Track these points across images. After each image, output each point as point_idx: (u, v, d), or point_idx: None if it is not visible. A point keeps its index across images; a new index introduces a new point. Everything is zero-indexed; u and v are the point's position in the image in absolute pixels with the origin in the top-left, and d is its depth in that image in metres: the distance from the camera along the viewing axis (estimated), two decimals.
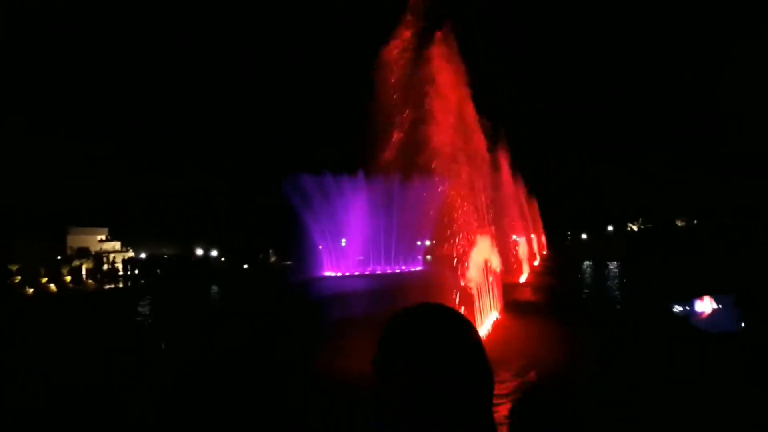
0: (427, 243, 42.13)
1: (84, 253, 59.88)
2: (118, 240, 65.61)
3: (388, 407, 1.05)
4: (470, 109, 17.00)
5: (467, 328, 1.16)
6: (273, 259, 61.16)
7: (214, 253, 62.13)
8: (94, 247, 62.71)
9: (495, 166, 28.18)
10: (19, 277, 52.65)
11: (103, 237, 65.82)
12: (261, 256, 61.16)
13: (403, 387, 1.04)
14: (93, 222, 66.27)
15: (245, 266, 55.83)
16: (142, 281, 52.02)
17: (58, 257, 56.12)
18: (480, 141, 18.50)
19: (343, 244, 44.00)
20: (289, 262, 55.78)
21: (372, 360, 1.10)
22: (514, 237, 34.16)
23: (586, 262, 39.64)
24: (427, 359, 1.04)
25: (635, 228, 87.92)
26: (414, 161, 14.35)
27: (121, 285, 52.29)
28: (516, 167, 36.59)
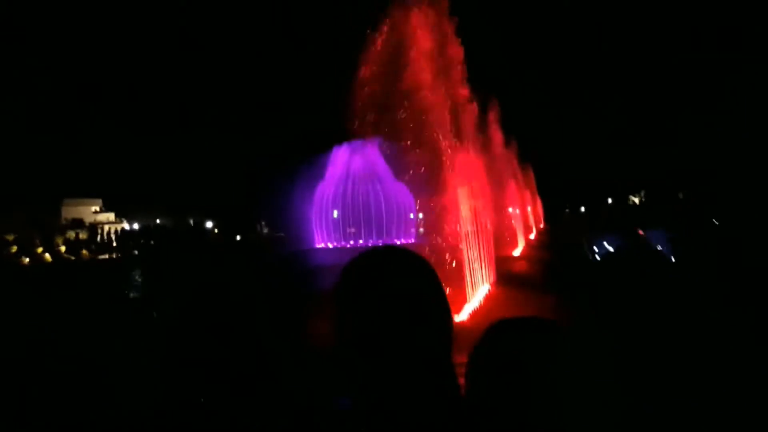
0: (420, 216, 41.84)
1: (78, 223, 59.80)
2: (112, 211, 65.39)
3: (346, 355, 1.02)
4: (463, 82, 16.44)
5: (424, 266, 1.09)
6: (265, 231, 61.09)
7: (207, 224, 62.09)
8: (88, 218, 62.49)
9: (491, 138, 27.68)
10: (16, 247, 52.74)
11: (97, 208, 65.59)
12: (254, 228, 61.11)
13: (360, 329, 1.01)
14: (87, 193, 66.01)
15: (237, 238, 55.82)
16: (136, 252, 51.96)
17: (53, 228, 56.09)
18: (473, 110, 17.99)
19: (335, 216, 43.67)
20: (281, 234, 55.67)
21: (331, 306, 1.07)
22: (510, 209, 33.75)
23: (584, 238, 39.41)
24: (383, 298, 1.01)
25: (636, 200, 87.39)
26: (404, 129, 13.84)
27: (115, 255, 52.24)
28: (513, 139, 36.06)
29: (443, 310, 1.07)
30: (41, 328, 12.32)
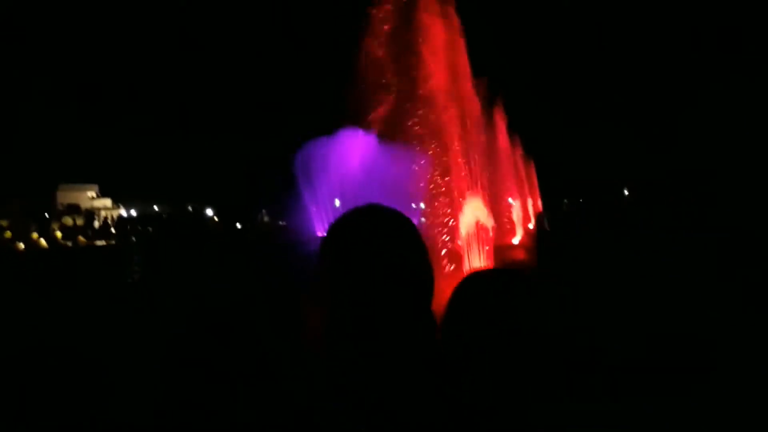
0: (422, 206, 41.83)
1: (74, 209, 59.55)
2: (108, 197, 65.11)
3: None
4: (464, 66, 16.26)
5: (406, 224, 1.09)
6: (266, 219, 61.02)
7: (208, 211, 62.02)
8: (85, 204, 62.21)
9: (492, 129, 27.72)
10: (10, 233, 52.56)
11: (94, 194, 65.24)
12: (254, 217, 61.02)
13: (347, 287, 1.00)
14: (83, 179, 65.69)
15: (238, 226, 55.76)
16: (133, 238, 51.83)
17: (49, 213, 55.89)
18: (474, 101, 17.91)
19: (337, 204, 43.60)
20: (282, 223, 55.63)
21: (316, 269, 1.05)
22: (509, 200, 33.99)
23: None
24: (368, 254, 1.00)
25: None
26: (403, 119, 13.70)
27: (112, 242, 52.13)
28: (514, 130, 35.99)
29: (422, 258, 1.04)
30: (38, 324, 12.18)
